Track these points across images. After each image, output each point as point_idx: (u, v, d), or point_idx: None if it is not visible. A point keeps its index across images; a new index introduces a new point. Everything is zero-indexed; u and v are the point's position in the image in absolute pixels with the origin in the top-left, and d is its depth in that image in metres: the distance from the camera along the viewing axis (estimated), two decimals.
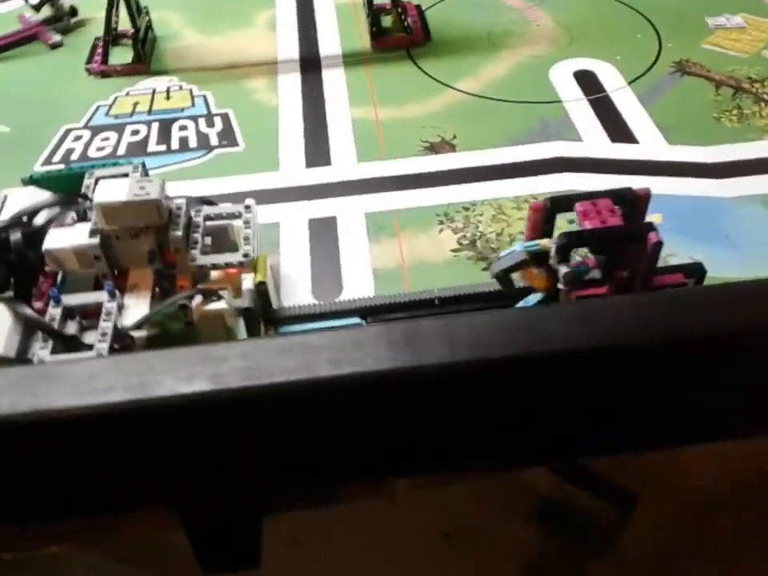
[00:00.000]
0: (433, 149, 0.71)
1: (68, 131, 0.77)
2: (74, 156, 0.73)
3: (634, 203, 0.49)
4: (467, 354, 0.34)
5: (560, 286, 0.47)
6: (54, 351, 0.46)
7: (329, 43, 0.88)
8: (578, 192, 0.50)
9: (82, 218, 0.52)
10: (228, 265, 0.51)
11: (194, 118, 0.77)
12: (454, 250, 0.60)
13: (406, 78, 0.81)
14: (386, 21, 0.89)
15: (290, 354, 0.39)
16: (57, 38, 0.92)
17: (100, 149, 0.74)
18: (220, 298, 0.49)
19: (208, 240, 0.53)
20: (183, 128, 0.76)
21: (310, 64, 0.84)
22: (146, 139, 0.75)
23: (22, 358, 0.46)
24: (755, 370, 0.41)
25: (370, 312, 0.52)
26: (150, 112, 0.79)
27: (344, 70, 0.83)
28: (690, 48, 0.83)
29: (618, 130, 0.72)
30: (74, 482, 0.43)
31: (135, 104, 0.80)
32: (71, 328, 0.47)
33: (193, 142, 0.74)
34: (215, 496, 0.45)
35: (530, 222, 0.50)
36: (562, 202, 0.48)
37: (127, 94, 0.82)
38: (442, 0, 0.94)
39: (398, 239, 0.62)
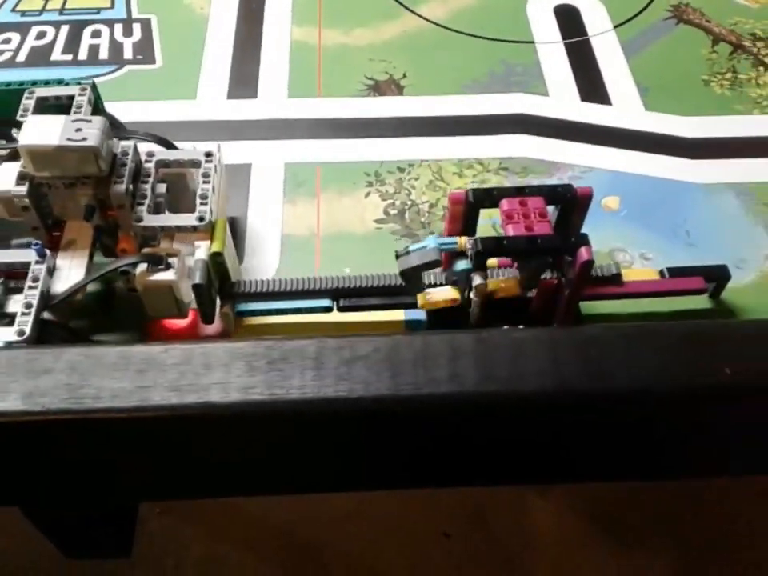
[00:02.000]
0: (377, 88, 0.62)
1: None
2: None
3: (572, 204, 0.42)
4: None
5: (472, 296, 0.41)
6: None
7: None
8: (507, 186, 0.42)
9: (11, 157, 0.43)
10: (179, 228, 0.43)
11: (111, 23, 0.67)
12: (378, 221, 0.53)
13: None
14: None
15: (125, 371, 0.33)
16: None
17: None
18: (169, 266, 0.41)
19: (162, 188, 0.45)
20: (96, 34, 0.66)
21: None
22: (51, 45, 0.65)
23: None
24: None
25: (345, 294, 0.44)
26: (62, 10, 0.68)
27: None
28: None
29: (592, 85, 0.62)
30: None
31: None
32: None
33: (104, 53, 0.64)
34: (50, 503, 0.40)
35: (449, 214, 0.42)
36: (487, 197, 0.41)
37: None
38: None
39: (318, 200, 0.54)
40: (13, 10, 0.68)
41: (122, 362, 0.33)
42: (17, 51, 0.64)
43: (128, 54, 0.64)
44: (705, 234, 0.52)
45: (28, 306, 0.39)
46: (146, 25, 0.67)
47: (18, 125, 0.45)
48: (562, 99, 0.61)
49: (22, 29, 0.66)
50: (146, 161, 0.45)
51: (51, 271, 0.42)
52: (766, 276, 0.50)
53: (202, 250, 0.42)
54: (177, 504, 0.95)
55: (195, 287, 0.41)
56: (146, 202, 0.43)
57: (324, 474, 0.39)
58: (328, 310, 0.45)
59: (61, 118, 0.41)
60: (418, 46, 0.66)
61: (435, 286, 0.44)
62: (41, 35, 0.66)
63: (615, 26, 0.68)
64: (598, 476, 0.43)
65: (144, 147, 0.46)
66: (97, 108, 0.49)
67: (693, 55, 0.65)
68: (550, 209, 0.43)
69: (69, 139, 0.40)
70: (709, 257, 0.51)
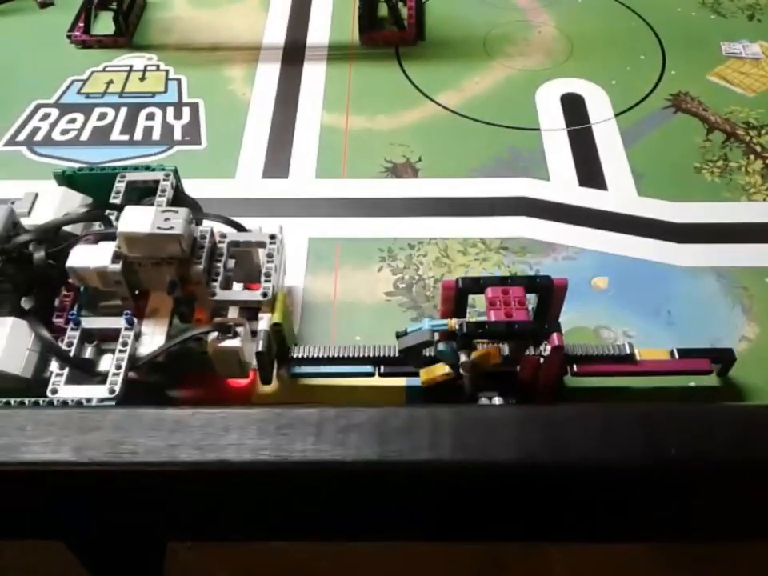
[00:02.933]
0: (395, 171, 0.69)
1: (38, 107, 0.76)
2: (38, 137, 0.73)
3: (549, 292, 0.48)
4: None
5: (461, 371, 0.47)
6: (69, 375, 0.47)
7: (318, 31, 0.85)
8: (492, 276, 0.48)
9: (108, 237, 0.51)
10: (246, 303, 0.50)
11: (163, 106, 0.76)
12: (387, 293, 0.59)
13: (388, 83, 0.78)
14: (383, 8, 0.85)
15: (158, 431, 0.40)
16: None
17: (65, 132, 0.73)
18: (236, 335, 0.48)
19: (231, 263, 0.53)
20: (150, 116, 0.75)
21: (294, 54, 0.81)
22: (111, 125, 0.74)
23: (39, 378, 0.47)
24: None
25: (383, 362, 0.51)
26: (121, 93, 0.77)
27: (326, 65, 0.80)
28: (694, 79, 0.77)
29: (590, 171, 0.68)
30: None
31: (109, 82, 0.78)
32: (88, 351, 0.48)
33: (156, 135, 0.73)
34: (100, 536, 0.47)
35: (442, 298, 0.48)
36: (474, 284, 0.47)
37: (104, 69, 0.80)
38: None
39: (335, 273, 0.61)
40: (79, 92, 0.78)
41: (156, 423, 0.40)
42: (81, 131, 0.73)
43: (177, 135, 0.73)
44: (685, 315, 0.57)
45: (118, 367, 0.46)
46: (194, 108, 0.75)
47: (112, 207, 0.53)
48: (561, 184, 0.67)
49: (86, 110, 0.76)
50: (220, 242, 0.52)
51: (137, 336, 0.49)
52: (740, 355, 0.54)
53: (265, 321, 0.49)
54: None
55: (258, 355, 0.48)
56: (219, 278, 0.50)
57: (324, 524, 0.45)
58: (370, 375, 0.51)
59: (152, 209, 0.48)
60: (434, 131, 0.73)
61: (433, 361, 0.50)
62: (102, 116, 0.75)
63: (616, 114, 0.74)
64: (568, 537, 0.47)
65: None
66: (178, 190, 0.56)
67: (687, 143, 0.71)
68: (531, 295, 0.48)
69: (159, 228, 0.47)
70: (687, 336, 0.56)
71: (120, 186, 0.55)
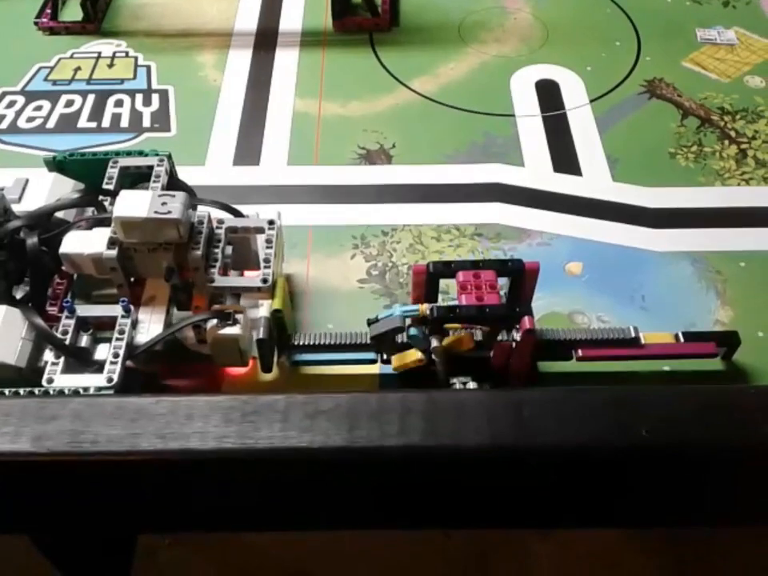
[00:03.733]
0: (368, 157, 0.68)
1: (3, 94, 0.74)
2: (3, 125, 0.71)
3: (521, 276, 0.47)
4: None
5: (433, 356, 0.46)
6: (65, 364, 0.45)
7: (291, 17, 0.83)
8: (463, 260, 0.47)
9: (102, 223, 0.50)
10: (245, 288, 0.49)
11: (132, 93, 0.74)
12: (360, 281, 0.58)
13: (361, 69, 0.77)
14: None
15: (120, 420, 0.39)
16: None
17: (30, 119, 0.71)
18: (236, 322, 0.47)
19: (229, 249, 0.51)
20: (119, 103, 0.73)
21: (266, 40, 0.80)
22: (78, 112, 0.72)
23: (33, 367, 0.46)
24: None
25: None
26: (89, 80, 0.75)
27: (299, 52, 0.79)
28: (669, 65, 0.77)
29: (565, 157, 0.68)
30: None
31: (77, 69, 0.77)
32: (84, 340, 0.47)
33: (125, 122, 0.71)
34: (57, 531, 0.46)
35: (413, 283, 0.48)
36: (445, 269, 0.46)
37: (72, 56, 0.78)
38: None
39: (308, 261, 0.60)
40: (45, 79, 0.76)
41: (118, 412, 0.39)
42: (47, 118, 0.72)
43: (146, 122, 0.71)
44: (659, 299, 0.57)
45: (115, 355, 0.45)
46: (163, 95, 0.74)
47: (106, 192, 0.52)
48: (536, 170, 0.67)
49: (53, 97, 0.74)
50: (217, 227, 0.50)
51: (134, 324, 0.47)
52: None
53: (265, 307, 0.48)
54: (186, 536, 1.00)
55: (259, 342, 0.47)
56: (217, 264, 0.49)
57: (294, 513, 0.44)
58: (373, 362, 0.50)
59: (148, 193, 0.47)
60: (409, 117, 0.72)
61: (405, 347, 0.49)
62: (69, 103, 0.73)
63: (591, 100, 0.73)
64: (543, 523, 0.47)
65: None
66: (171, 176, 0.55)
67: (662, 129, 0.70)
68: (503, 280, 0.48)
69: (156, 212, 0.46)
70: (661, 321, 0.55)
71: (113, 171, 0.53)
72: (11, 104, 0.73)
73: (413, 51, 0.79)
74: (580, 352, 0.49)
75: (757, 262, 0.59)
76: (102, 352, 0.47)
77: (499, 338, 0.47)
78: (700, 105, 0.73)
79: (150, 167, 0.53)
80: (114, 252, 0.47)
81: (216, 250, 0.49)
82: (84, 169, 0.55)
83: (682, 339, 0.51)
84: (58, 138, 0.69)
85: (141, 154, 0.55)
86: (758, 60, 0.78)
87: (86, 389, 0.43)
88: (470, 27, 0.82)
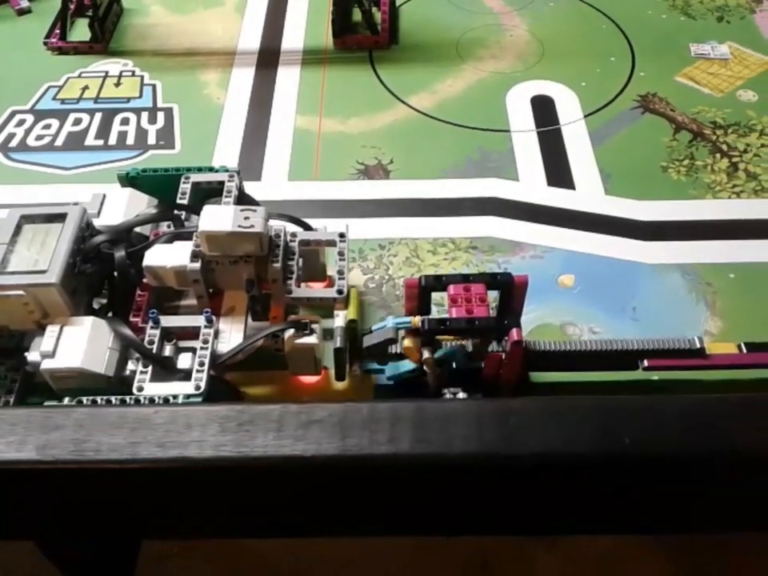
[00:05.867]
0: (366, 172, 0.70)
1: (13, 113, 0.76)
2: (13, 143, 0.73)
3: (510, 289, 0.48)
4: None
5: (425, 367, 0.47)
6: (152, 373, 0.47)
7: (293, 35, 0.85)
8: (454, 273, 0.49)
9: (180, 236, 0.52)
10: (322, 300, 0.51)
11: (138, 111, 0.76)
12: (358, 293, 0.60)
13: (361, 87, 0.79)
14: (358, 13, 0.86)
15: (121, 429, 0.40)
16: (25, 3, 0.90)
17: (39, 137, 0.74)
18: (312, 332, 0.49)
19: (300, 262, 0.53)
20: (125, 121, 0.75)
21: (268, 58, 0.82)
22: (85, 131, 0.74)
23: (119, 376, 0.48)
24: None
25: None
26: (96, 99, 0.78)
27: (300, 70, 0.81)
28: (662, 80, 0.78)
29: (558, 171, 0.69)
30: None
31: (84, 88, 0.79)
32: (167, 350, 0.49)
33: (131, 139, 0.73)
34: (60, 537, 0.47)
35: (406, 296, 0.49)
36: (437, 282, 0.48)
37: (80, 75, 0.81)
38: None
39: None
40: (54, 98, 0.78)
41: (119, 421, 0.41)
42: (55, 136, 0.74)
43: (151, 139, 0.73)
44: (650, 311, 0.58)
45: (201, 364, 0.47)
46: (168, 113, 0.76)
47: (181, 207, 0.54)
48: (530, 184, 0.68)
49: (61, 116, 0.76)
50: (291, 240, 0.52)
51: (216, 334, 0.49)
52: None
53: (341, 318, 0.50)
54: (195, 545, 1.01)
55: (336, 351, 0.49)
56: (294, 276, 0.51)
57: (290, 521, 0.45)
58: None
59: (230, 208, 0.49)
60: (406, 133, 0.74)
61: (399, 358, 0.51)
62: (77, 121, 0.76)
63: (585, 115, 0.75)
64: (533, 530, 0.48)
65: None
66: (240, 191, 0.57)
67: (654, 143, 0.72)
68: (493, 293, 0.49)
69: (239, 226, 0.48)
70: (652, 332, 0.56)
71: (185, 187, 0.55)
72: (21, 122, 0.75)
73: (411, 68, 0.81)
74: (646, 362, 0.50)
75: (746, 274, 0.60)
76: (184, 361, 0.48)
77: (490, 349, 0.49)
78: (692, 119, 0.74)
79: (221, 183, 0.55)
80: (197, 265, 0.49)
81: (291, 263, 0.51)
82: (155, 184, 0.57)
83: (744, 350, 0.51)
84: (66, 156, 0.72)
85: (211, 170, 0.57)
86: (751, 74, 0.79)
87: (175, 396, 0.45)
88: (468, 44, 0.84)
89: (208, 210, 0.49)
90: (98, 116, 0.76)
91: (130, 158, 0.71)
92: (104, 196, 0.55)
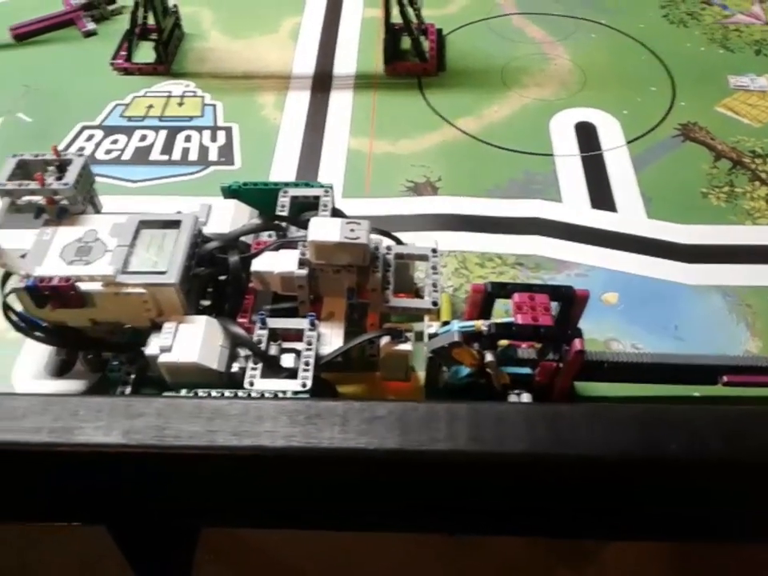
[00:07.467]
0: (416, 189, 0.73)
1: (83, 128, 0.81)
2: None
3: (572, 302, 0.51)
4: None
5: (487, 369, 0.50)
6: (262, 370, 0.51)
7: (345, 61, 0.90)
8: (519, 282, 0.51)
9: (284, 245, 0.55)
10: (417, 310, 0.54)
11: (200, 129, 0.81)
12: None
13: (410, 110, 0.82)
14: (407, 41, 0.90)
15: (198, 418, 0.44)
16: (91, 25, 0.96)
17: (108, 151, 0.78)
18: (407, 340, 0.52)
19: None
20: (188, 139, 0.79)
21: (322, 82, 0.86)
22: (150, 146, 0.79)
23: (228, 372, 0.51)
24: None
25: None
26: (161, 117, 0.82)
27: (353, 94, 0.85)
28: (702, 110, 0.81)
29: (601, 194, 0.72)
30: (21, 494, 0.49)
31: (149, 107, 0.84)
32: (273, 349, 0.52)
33: (193, 155, 0.78)
34: (136, 519, 0.50)
35: (470, 301, 0.52)
36: (503, 289, 0.50)
37: (144, 94, 0.86)
38: (466, 25, 0.94)
39: None
40: (121, 115, 0.83)
41: (196, 411, 0.44)
42: (123, 151, 0.79)
43: (213, 156, 0.77)
44: (692, 330, 0.60)
45: (307, 363, 0.50)
46: (228, 132, 0.80)
47: (281, 218, 0.58)
48: (573, 206, 0.71)
49: (128, 132, 0.81)
50: (386, 253, 0.56)
51: (318, 337, 0.52)
52: None
53: (434, 328, 0.53)
54: (226, 552, 1.04)
55: (430, 359, 0.51)
56: (390, 287, 0.54)
57: (348, 515, 0.48)
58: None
59: (337, 220, 0.53)
60: (454, 153, 0.77)
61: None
62: (143, 138, 0.80)
63: (628, 142, 0.78)
64: (575, 533, 0.50)
65: None
66: (334, 206, 0.61)
67: (695, 169, 0.74)
68: (554, 304, 0.52)
69: (346, 237, 0.51)
70: (693, 350, 0.58)
71: (284, 200, 0.59)
72: (90, 137, 0.80)
73: (458, 94, 0.84)
74: (725, 378, 0.51)
75: None
76: (287, 360, 0.52)
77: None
78: (732, 148, 0.77)
79: (317, 197, 0.59)
80: (304, 271, 0.53)
81: (388, 274, 0.55)
82: (256, 196, 0.61)
83: None
84: (132, 169, 0.76)
85: (307, 185, 0.61)
86: None
87: (283, 392, 0.49)
88: (512, 72, 0.87)
89: (316, 221, 0.53)
90: (163, 133, 0.80)
91: (192, 173, 0.76)
92: (210, 206, 0.59)
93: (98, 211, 0.59)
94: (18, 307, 0.52)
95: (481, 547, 1.04)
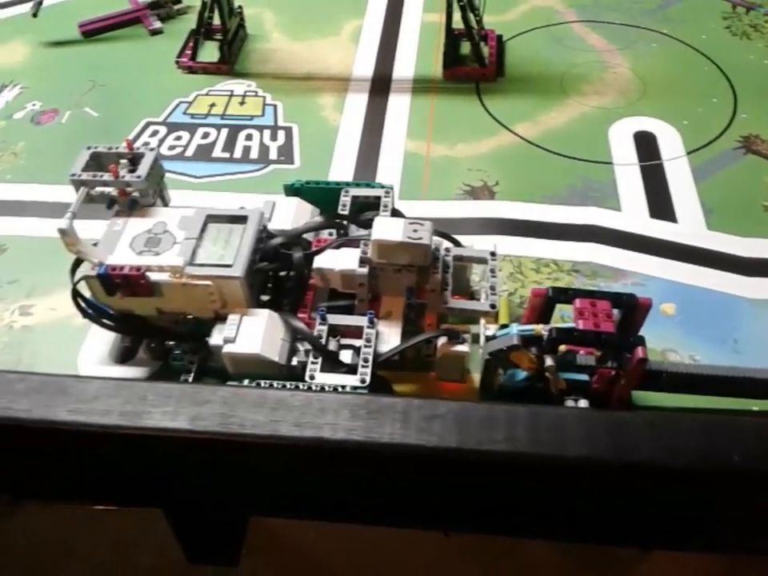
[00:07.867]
0: (473, 193, 0.73)
1: (148, 124, 0.83)
2: None
3: (633, 310, 0.51)
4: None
5: (546, 374, 0.50)
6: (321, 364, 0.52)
7: (404, 65, 0.91)
8: (581, 288, 0.51)
9: (345, 243, 0.56)
10: (474, 312, 0.55)
11: (261, 129, 0.82)
12: None
13: (468, 115, 0.83)
14: (466, 47, 0.90)
15: (262, 408, 0.45)
16: (157, 24, 0.98)
17: (171, 147, 0.80)
18: (464, 341, 0.53)
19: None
20: (249, 137, 0.81)
21: (380, 85, 0.87)
22: (213, 144, 0.81)
23: (288, 365, 0.53)
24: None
25: None
26: (223, 115, 0.84)
27: (410, 97, 0.86)
28: (765, 123, 0.80)
29: (661, 204, 0.71)
30: (78, 476, 0.50)
31: (212, 105, 0.86)
32: (332, 345, 0.53)
33: (254, 153, 0.79)
34: (196, 505, 0.52)
35: (530, 305, 0.52)
36: (564, 295, 0.51)
37: (207, 93, 0.88)
38: (526, 31, 0.95)
39: None
40: (184, 113, 0.85)
41: (260, 400, 0.45)
42: (186, 147, 0.81)
43: (273, 155, 0.79)
44: (751, 343, 0.60)
45: (366, 360, 0.51)
46: (288, 132, 0.82)
47: (342, 217, 0.59)
48: (632, 215, 0.70)
49: (191, 129, 0.83)
50: (445, 255, 0.56)
51: (376, 335, 0.53)
52: None
53: (492, 330, 0.53)
54: (261, 547, 1.05)
55: (486, 361, 0.51)
56: (449, 288, 0.55)
57: (406, 509, 0.48)
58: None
59: (400, 220, 0.53)
60: (511, 158, 0.77)
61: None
62: (205, 135, 0.82)
63: (688, 153, 0.77)
64: (632, 541, 0.50)
65: None
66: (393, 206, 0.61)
67: (756, 183, 0.73)
68: (615, 311, 0.52)
69: (408, 237, 0.52)
70: (753, 364, 0.58)
71: (345, 199, 0.60)
72: (155, 133, 0.82)
73: (516, 100, 0.85)
74: None
75: None
76: (345, 356, 0.52)
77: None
78: None
79: (377, 197, 0.60)
80: (365, 270, 0.53)
81: (447, 275, 0.55)
82: (317, 195, 0.62)
83: None
84: (195, 165, 0.78)
85: (368, 186, 0.62)
86: None
87: (343, 387, 0.49)
88: (572, 79, 0.87)
89: (380, 221, 0.53)
90: (225, 131, 0.82)
91: (253, 170, 0.77)
92: (274, 204, 0.60)
93: (166, 204, 0.60)
94: (87, 294, 0.54)
95: (514, 551, 1.03)
